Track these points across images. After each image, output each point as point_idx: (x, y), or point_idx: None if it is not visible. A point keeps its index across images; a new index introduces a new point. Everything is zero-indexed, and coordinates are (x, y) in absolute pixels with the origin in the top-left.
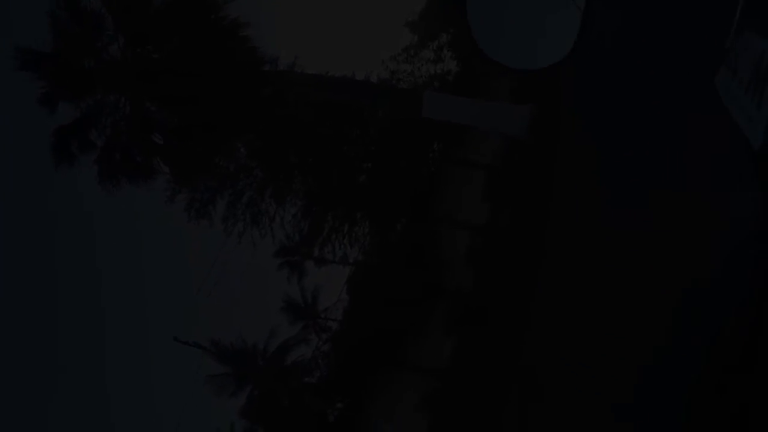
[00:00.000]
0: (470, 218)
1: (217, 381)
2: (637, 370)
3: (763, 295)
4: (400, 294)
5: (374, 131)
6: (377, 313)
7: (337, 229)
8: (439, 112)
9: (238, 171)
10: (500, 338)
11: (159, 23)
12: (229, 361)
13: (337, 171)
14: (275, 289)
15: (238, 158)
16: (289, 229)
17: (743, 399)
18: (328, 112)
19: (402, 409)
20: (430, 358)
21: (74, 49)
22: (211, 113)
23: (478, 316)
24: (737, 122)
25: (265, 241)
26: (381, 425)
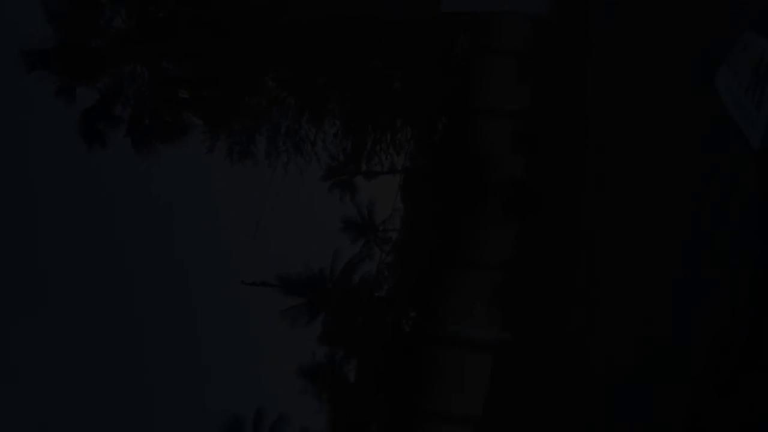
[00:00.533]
0: (509, 105)
1: (290, 314)
2: (681, 241)
3: (764, 294)
4: (454, 193)
5: (398, 37)
6: (434, 216)
7: (380, 140)
8: (458, 3)
9: (271, 104)
10: (558, 216)
11: None
12: (299, 292)
13: (369, 83)
14: (331, 212)
15: (268, 92)
16: (332, 150)
17: (748, 399)
18: (348, 29)
19: (474, 307)
20: (494, 253)
21: (77, 33)
22: (231, 55)
23: (534, 201)
24: (737, 122)
25: (311, 167)
26: (456, 328)
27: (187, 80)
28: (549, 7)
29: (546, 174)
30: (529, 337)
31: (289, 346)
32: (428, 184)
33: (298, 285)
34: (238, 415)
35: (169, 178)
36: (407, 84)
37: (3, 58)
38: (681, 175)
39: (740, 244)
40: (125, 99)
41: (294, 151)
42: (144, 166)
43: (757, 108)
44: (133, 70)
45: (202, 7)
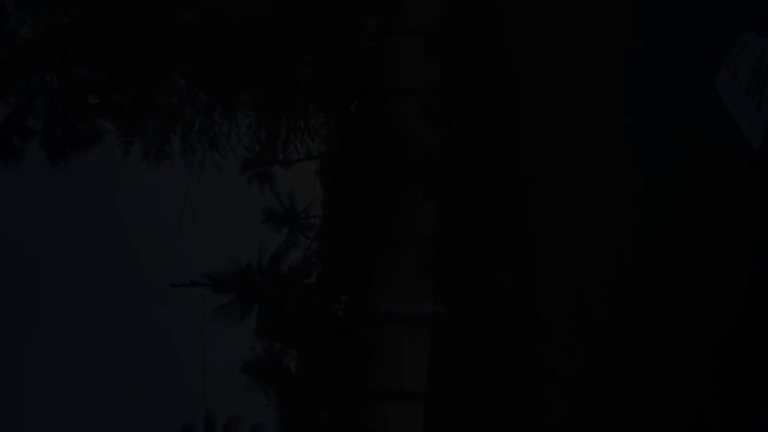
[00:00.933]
0: (419, 82)
1: (223, 311)
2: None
3: (764, 294)
4: (371, 174)
5: (305, 22)
6: (354, 198)
7: (294, 127)
8: None
9: (183, 102)
10: (478, 187)
11: None
12: (228, 288)
13: (277, 72)
14: (252, 204)
15: (179, 90)
16: (247, 142)
17: (748, 398)
18: (252, 17)
19: (404, 284)
20: (417, 228)
21: None
22: (137, 54)
23: (451, 174)
24: (737, 122)
25: (227, 161)
26: (388, 306)
27: (95, 85)
28: None
29: (462, 146)
30: (463, 307)
31: (229, 344)
32: (345, 167)
33: (226, 281)
34: (187, 425)
35: (88, 186)
36: (316, 69)
37: None
38: (679, 175)
39: (740, 244)
40: (37, 110)
41: (209, 146)
42: (61, 175)
43: (757, 108)
44: (42, 79)
45: (106, 8)
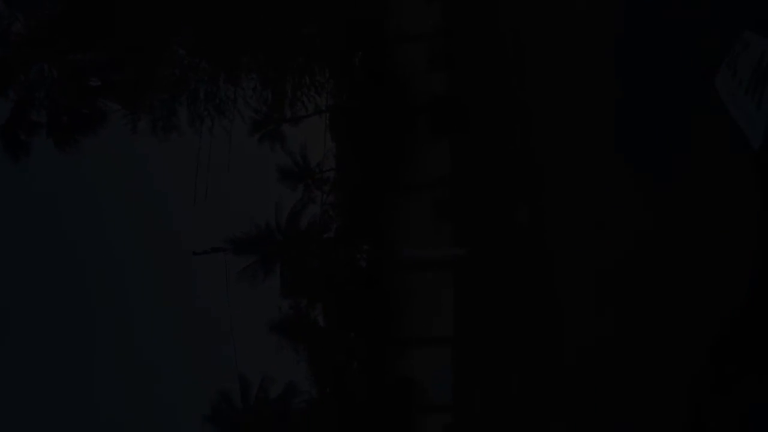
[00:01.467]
0: (422, 27)
1: (247, 273)
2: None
3: (764, 294)
4: (381, 121)
5: None
6: (366, 147)
7: (299, 84)
8: None
9: (186, 72)
10: (487, 125)
11: None
12: (250, 250)
13: (278, 31)
14: (265, 165)
15: (180, 61)
16: (254, 104)
17: (747, 399)
18: None
19: (423, 228)
20: (431, 170)
21: None
22: (133, 32)
23: (460, 114)
24: (737, 122)
25: (236, 125)
26: (409, 251)
27: (95, 68)
28: None
29: (468, 86)
30: (482, 246)
31: (256, 308)
32: (355, 118)
33: (247, 243)
34: (222, 391)
35: (100, 168)
36: (318, 24)
37: None
38: (679, 175)
39: (740, 244)
40: (39, 102)
41: (216, 113)
42: (72, 161)
43: (757, 108)
44: (40, 71)
45: None
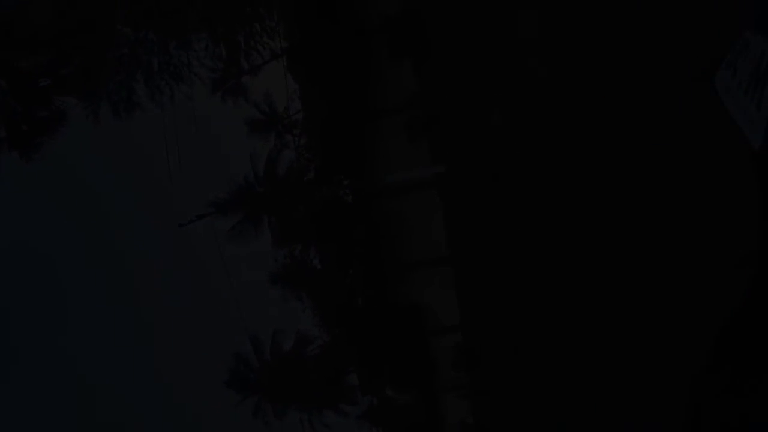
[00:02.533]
0: None
1: (236, 231)
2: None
3: (764, 294)
4: (338, 52)
5: None
6: (329, 82)
7: (251, 33)
8: None
9: (134, 48)
10: (447, 41)
11: None
12: (234, 208)
13: None
14: (233, 122)
15: (126, 39)
16: (210, 63)
17: (748, 399)
18: None
19: (400, 152)
20: (398, 93)
21: None
22: (69, 23)
23: (416, 34)
24: (737, 122)
25: (196, 89)
26: (391, 176)
27: (42, 67)
28: None
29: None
30: (463, 160)
31: (253, 266)
32: (311, 55)
33: (230, 203)
34: (237, 354)
35: (71, 165)
36: None
37: None
38: (679, 175)
39: (740, 244)
40: None
41: (174, 81)
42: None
43: (757, 108)
44: None
45: None
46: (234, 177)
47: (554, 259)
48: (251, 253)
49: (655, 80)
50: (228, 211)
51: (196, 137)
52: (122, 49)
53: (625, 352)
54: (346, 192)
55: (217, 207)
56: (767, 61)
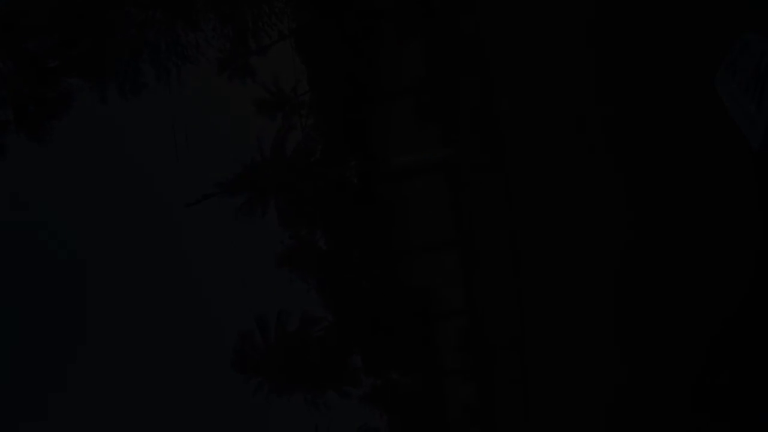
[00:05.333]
0: None
1: (243, 211)
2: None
3: (764, 294)
4: (346, 32)
5: None
6: (336, 62)
7: (259, 14)
8: None
9: (142, 29)
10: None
11: None
12: (242, 188)
13: None
14: (241, 102)
15: (134, 18)
16: (218, 43)
17: (745, 396)
18: None
19: (407, 132)
20: (408, 74)
21: None
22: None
23: (426, 10)
24: (737, 122)
25: (204, 69)
26: (399, 159)
27: (50, 49)
28: None
29: None
30: (470, 142)
31: (260, 245)
32: (319, 35)
33: (237, 183)
34: (244, 332)
35: (79, 146)
36: None
37: None
38: (679, 175)
39: (740, 244)
40: (2, 100)
41: (181, 61)
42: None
43: (757, 108)
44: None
45: None
46: (240, 157)
47: (555, 253)
48: (257, 234)
49: (655, 80)
50: (234, 191)
51: (203, 117)
52: (130, 30)
53: (628, 343)
54: (352, 174)
55: (223, 187)
56: (767, 61)
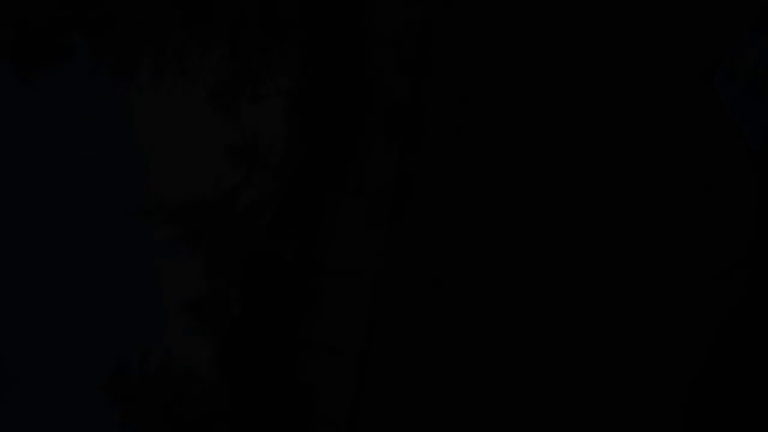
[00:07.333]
0: (398, 29)
1: (170, 244)
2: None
3: (764, 294)
4: (338, 114)
5: None
6: (318, 139)
7: (266, 62)
8: None
9: (159, 19)
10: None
11: None
12: (179, 220)
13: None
14: (213, 136)
15: (156, 7)
16: (219, 73)
17: (744, 398)
18: None
19: (354, 234)
20: (374, 180)
21: None
22: None
23: (415, 122)
24: (737, 122)
25: (195, 90)
26: (336, 255)
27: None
28: None
29: (431, 95)
30: (407, 260)
31: (170, 279)
32: (313, 108)
33: (177, 212)
34: (121, 359)
35: (52, 104)
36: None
37: None
38: (679, 175)
39: (740, 244)
40: (7, 20)
41: (180, 73)
42: (24, 90)
43: (757, 108)
44: None
45: None
46: (191, 189)
47: (548, 255)
48: (175, 271)
49: (654, 80)
50: (171, 220)
51: (173, 134)
52: (149, 14)
53: (620, 353)
54: (289, 253)
55: (162, 210)
56: (767, 60)
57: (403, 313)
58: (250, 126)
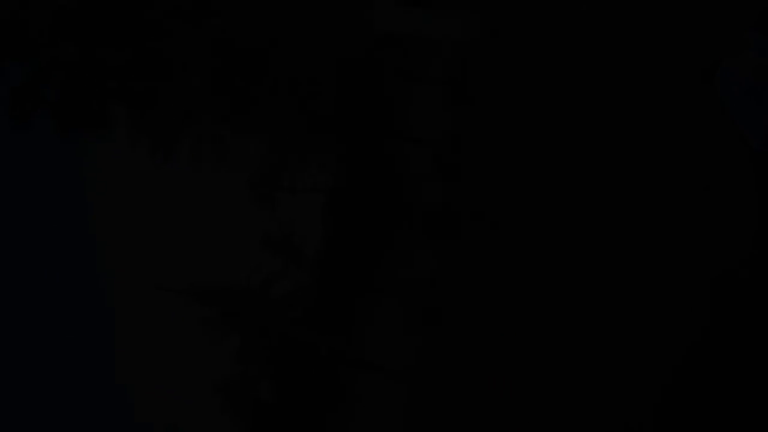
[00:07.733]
0: (433, 132)
1: (206, 326)
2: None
3: (764, 294)
4: (374, 216)
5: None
6: (354, 239)
7: (305, 158)
8: (392, 22)
9: (200, 105)
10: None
11: None
12: (214, 303)
13: (297, 101)
14: (251, 224)
15: (199, 92)
16: (258, 161)
17: (741, 397)
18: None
19: (392, 334)
20: (410, 280)
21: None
22: (164, 46)
23: (452, 226)
24: (737, 122)
25: (234, 174)
26: (373, 353)
27: (115, 68)
28: (482, 32)
29: (466, 201)
30: (445, 365)
31: (202, 360)
32: (350, 207)
33: (213, 295)
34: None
35: (91, 169)
36: (336, 104)
37: None
38: (679, 175)
39: (740, 244)
40: (54, 81)
41: (218, 159)
42: (66, 153)
43: (757, 108)
44: (64, 51)
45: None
46: (228, 274)
47: (547, 255)
48: (208, 352)
49: (654, 80)
50: (208, 302)
51: (212, 218)
52: (190, 99)
53: (620, 353)
54: (325, 346)
55: (199, 291)
56: (767, 60)
57: (438, 415)
58: (287, 217)
